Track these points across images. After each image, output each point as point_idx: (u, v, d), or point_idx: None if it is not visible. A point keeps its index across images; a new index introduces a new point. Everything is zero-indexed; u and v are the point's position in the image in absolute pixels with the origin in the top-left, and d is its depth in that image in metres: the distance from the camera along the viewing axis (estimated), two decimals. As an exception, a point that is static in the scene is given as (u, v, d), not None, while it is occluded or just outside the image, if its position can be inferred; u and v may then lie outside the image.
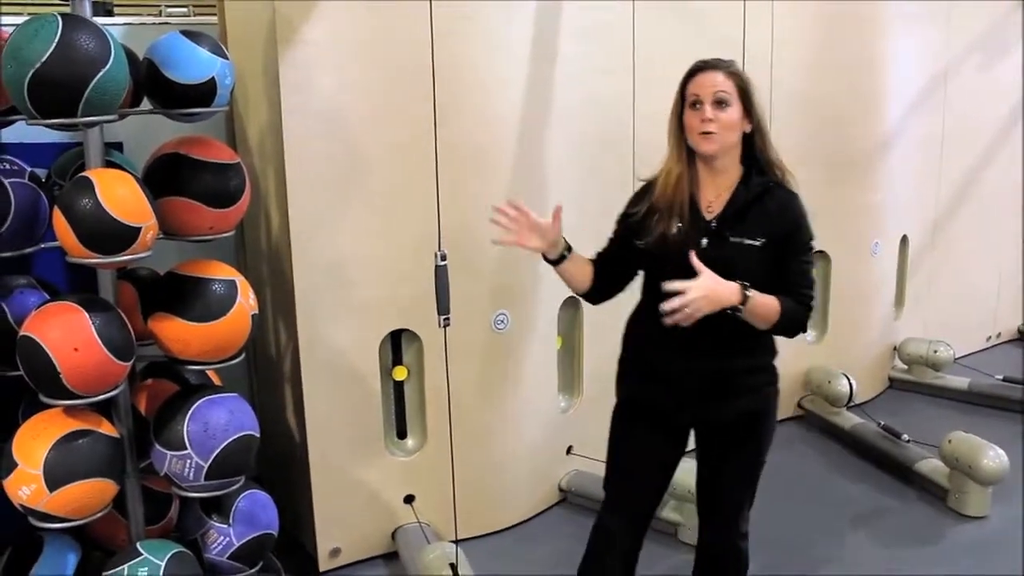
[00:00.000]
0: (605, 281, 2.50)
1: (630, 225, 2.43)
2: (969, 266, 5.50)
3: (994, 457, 3.66)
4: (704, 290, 2.15)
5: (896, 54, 4.66)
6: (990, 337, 5.82)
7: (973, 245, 5.48)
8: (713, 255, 2.27)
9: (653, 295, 2.31)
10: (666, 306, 2.14)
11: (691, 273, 2.20)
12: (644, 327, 2.44)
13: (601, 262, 2.51)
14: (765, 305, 2.25)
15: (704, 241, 2.31)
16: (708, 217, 2.34)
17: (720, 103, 2.27)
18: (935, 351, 5.00)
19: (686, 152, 2.35)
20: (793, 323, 2.32)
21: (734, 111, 2.29)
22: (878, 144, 4.69)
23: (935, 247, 5.33)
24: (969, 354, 5.51)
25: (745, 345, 2.36)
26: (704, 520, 2.61)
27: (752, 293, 2.21)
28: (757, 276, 2.26)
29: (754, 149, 2.36)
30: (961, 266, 5.45)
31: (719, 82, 2.28)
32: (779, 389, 2.50)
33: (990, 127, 5.39)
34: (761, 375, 2.45)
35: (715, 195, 2.36)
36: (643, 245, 2.37)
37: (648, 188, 2.43)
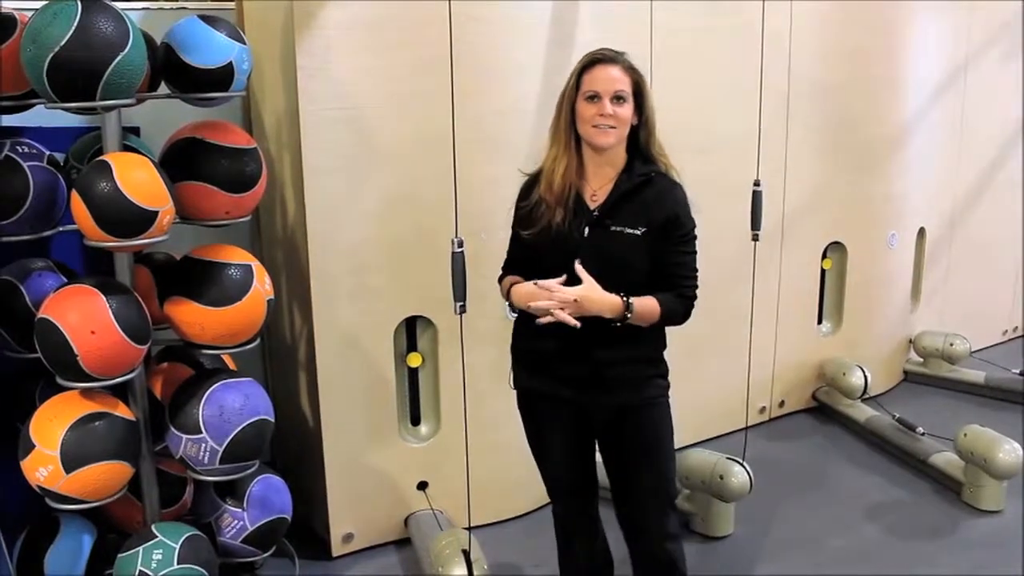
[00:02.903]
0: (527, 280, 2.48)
1: (520, 219, 2.46)
2: (987, 259, 5.45)
3: (1010, 451, 3.63)
4: (583, 300, 2.22)
5: (916, 43, 4.62)
6: (1007, 331, 5.77)
7: (991, 238, 5.43)
8: (595, 244, 2.33)
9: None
10: (539, 310, 2.22)
11: (572, 262, 2.28)
12: (531, 317, 2.44)
13: (513, 266, 2.52)
14: (647, 310, 2.30)
15: (586, 230, 2.35)
16: (592, 206, 2.37)
17: (618, 99, 2.30)
18: (951, 344, 4.97)
19: (574, 141, 2.37)
20: (672, 319, 2.38)
21: (628, 107, 2.33)
22: (896, 134, 4.65)
23: (952, 240, 5.29)
24: (985, 348, 5.47)
25: (628, 337, 2.37)
26: (623, 527, 2.59)
27: (634, 307, 2.27)
28: (637, 264, 2.34)
29: (638, 141, 2.39)
30: (978, 259, 5.40)
31: (618, 78, 2.31)
32: (669, 382, 2.50)
33: (1010, 119, 5.33)
34: (645, 367, 2.45)
35: (599, 184, 2.39)
36: (528, 236, 2.40)
37: (535, 181, 2.44)
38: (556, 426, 2.54)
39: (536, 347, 2.47)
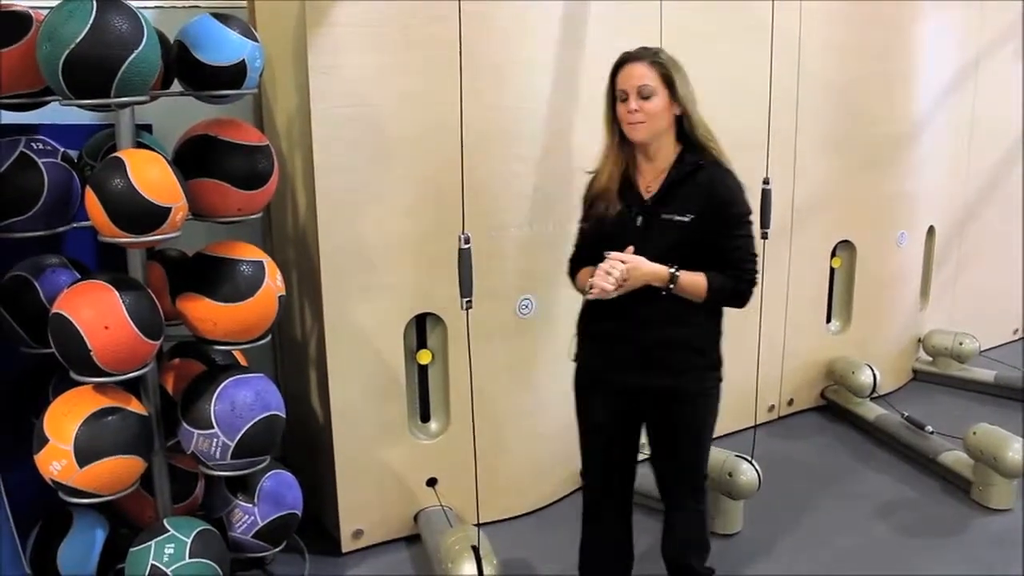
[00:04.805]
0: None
1: (585, 211, 2.61)
2: (996, 258, 5.44)
3: (1019, 450, 3.63)
4: (631, 266, 2.35)
5: (927, 41, 4.61)
6: (1017, 330, 5.76)
7: (1001, 237, 5.43)
8: (647, 232, 2.44)
9: None
10: (589, 283, 2.37)
11: (627, 248, 2.40)
12: (598, 299, 2.54)
13: (579, 258, 2.64)
14: (693, 284, 2.42)
15: (639, 219, 2.47)
16: (646, 197, 2.48)
17: (644, 95, 2.39)
18: (960, 343, 4.97)
19: (619, 138, 2.49)
20: (723, 297, 2.48)
21: (658, 100, 2.41)
22: (906, 132, 4.64)
23: (962, 238, 5.28)
24: (995, 347, 5.47)
25: (676, 322, 2.47)
26: (660, 489, 2.73)
27: (681, 276, 2.39)
28: (687, 251, 2.42)
29: (685, 130, 2.48)
30: (988, 258, 5.39)
31: (641, 74, 2.40)
32: (720, 376, 2.59)
33: (1020, 117, 5.31)
34: (696, 356, 2.54)
35: (653, 176, 2.50)
36: (586, 227, 2.58)
37: (595, 178, 2.58)
38: (603, 404, 2.63)
39: (595, 328, 2.59)
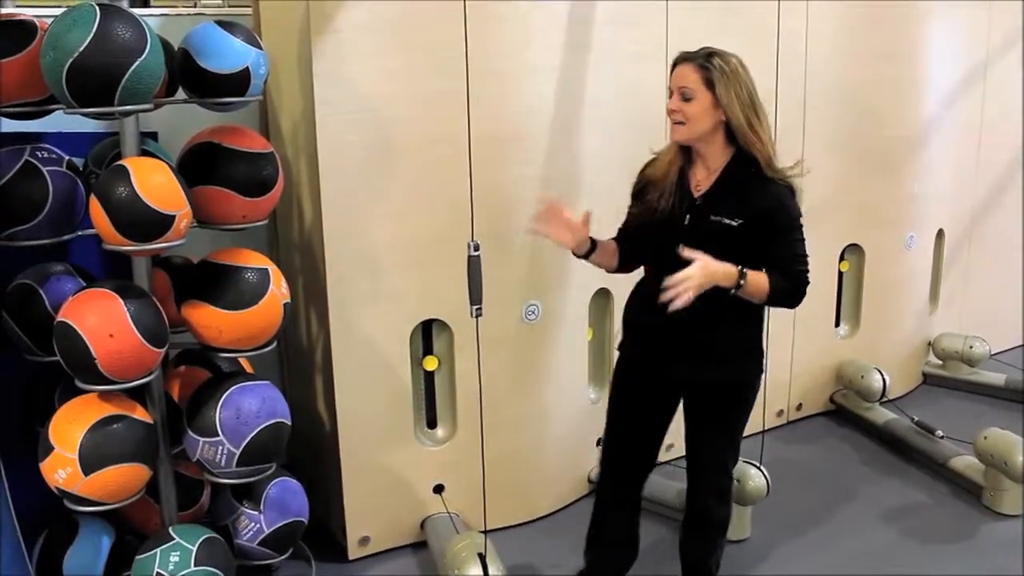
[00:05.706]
0: (629, 251, 2.65)
1: (635, 192, 2.64)
2: (1007, 261, 5.40)
3: (1031, 454, 3.60)
4: (701, 272, 2.31)
5: (935, 43, 4.58)
6: (1027, 333, 5.73)
7: (1011, 239, 5.39)
8: (694, 231, 2.47)
9: (648, 261, 2.59)
10: (664, 296, 2.30)
11: (673, 244, 2.41)
12: (640, 289, 2.62)
13: (623, 233, 2.68)
14: (757, 282, 2.43)
15: (687, 217, 2.50)
16: (695, 195, 2.51)
17: (685, 97, 2.43)
18: (970, 347, 4.93)
19: None
20: (782, 297, 2.49)
21: (699, 103, 2.42)
22: (915, 135, 4.62)
23: (972, 241, 5.25)
24: (1006, 350, 5.43)
25: (725, 316, 2.50)
26: (688, 472, 2.78)
27: (749, 276, 2.40)
28: (732, 255, 2.42)
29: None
30: (998, 261, 5.35)
31: (685, 76, 2.43)
32: (762, 366, 2.64)
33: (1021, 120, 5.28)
34: (739, 346, 2.59)
35: (705, 175, 2.52)
36: (634, 210, 2.61)
37: (653, 161, 2.62)
38: (639, 392, 2.68)
39: (637, 319, 2.66)
